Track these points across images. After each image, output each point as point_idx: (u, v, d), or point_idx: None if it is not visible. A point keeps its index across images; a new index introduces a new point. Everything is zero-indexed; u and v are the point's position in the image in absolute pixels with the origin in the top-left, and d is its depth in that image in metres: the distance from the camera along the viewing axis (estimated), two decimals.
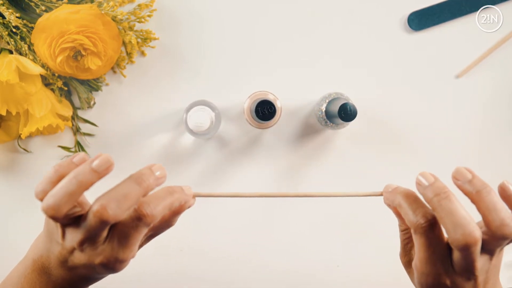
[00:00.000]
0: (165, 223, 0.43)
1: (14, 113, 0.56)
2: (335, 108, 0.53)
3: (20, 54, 0.58)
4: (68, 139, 0.62)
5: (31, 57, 0.57)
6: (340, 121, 0.54)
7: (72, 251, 0.40)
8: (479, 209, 0.38)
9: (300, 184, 0.63)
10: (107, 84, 0.62)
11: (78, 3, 0.58)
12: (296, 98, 0.62)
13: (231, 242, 0.63)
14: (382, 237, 0.62)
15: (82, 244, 0.39)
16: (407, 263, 0.45)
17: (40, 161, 0.61)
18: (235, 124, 0.62)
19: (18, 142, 0.61)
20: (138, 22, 0.60)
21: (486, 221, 0.37)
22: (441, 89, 0.63)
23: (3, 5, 0.56)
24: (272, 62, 0.62)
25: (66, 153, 0.61)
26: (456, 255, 0.38)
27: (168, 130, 0.62)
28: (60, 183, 0.39)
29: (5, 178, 0.61)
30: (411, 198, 0.40)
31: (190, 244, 0.62)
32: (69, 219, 0.39)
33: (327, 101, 0.57)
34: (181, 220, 0.62)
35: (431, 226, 0.38)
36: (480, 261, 0.38)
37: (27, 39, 0.57)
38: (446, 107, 0.63)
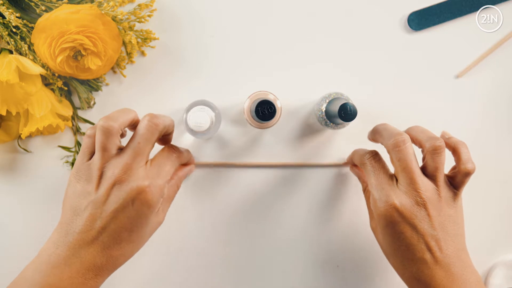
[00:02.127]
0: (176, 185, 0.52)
1: (14, 113, 0.56)
2: (335, 108, 0.53)
3: (20, 54, 0.58)
4: (68, 139, 0.62)
5: (31, 57, 0.57)
6: (340, 121, 0.54)
7: (108, 194, 0.44)
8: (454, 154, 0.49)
9: (300, 184, 0.63)
10: (107, 84, 0.62)
11: (78, 3, 0.58)
12: (296, 98, 0.62)
13: (230, 242, 0.63)
14: None
15: (126, 170, 0.45)
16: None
17: (40, 161, 0.61)
18: (235, 124, 0.62)
19: (18, 142, 0.61)
20: (138, 22, 0.60)
21: (456, 161, 0.49)
22: (441, 89, 0.63)
23: (3, 5, 0.56)
24: (272, 62, 0.62)
25: (66, 153, 0.61)
26: (400, 177, 0.47)
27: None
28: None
29: (5, 178, 0.61)
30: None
31: (190, 244, 0.62)
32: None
33: (327, 101, 0.57)
34: (181, 220, 0.62)
35: (374, 156, 0.50)
36: (425, 182, 0.47)
37: (27, 39, 0.57)
38: (446, 107, 0.63)
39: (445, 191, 0.47)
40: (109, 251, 0.44)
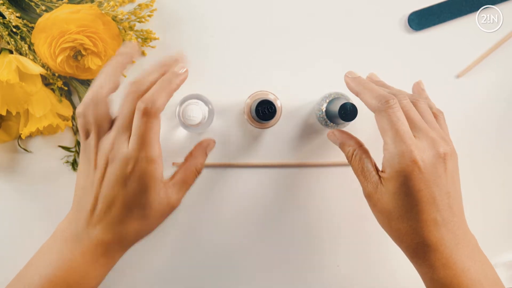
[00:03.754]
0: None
1: (14, 113, 0.56)
2: (335, 108, 0.53)
3: (20, 54, 0.58)
4: (68, 139, 0.62)
5: (31, 57, 0.57)
6: (340, 121, 0.54)
7: (103, 173, 0.45)
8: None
9: (300, 184, 0.63)
10: None
11: (78, 3, 0.58)
12: (296, 98, 0.62)
13: (230, 242, 0.63)
14: (383, 236, 0.62)
15: (114, 143, 0.44)
16: (373, 185, 0.48)
17: (40, 161, 0.61)
18: (234, 123, 0.62)
19: (18, 142, 0.61)
20: (139, 22, 0.60)
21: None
22: (441, 89, 0.63)
23: (3, 5, 0.56)
24: (273, 62, 0.62)
25: (66, 153, 0.61)
26: (414, 132, 0.45)
27: (169, 130, 0.62)
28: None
29: (5, 178, 0.61)
30: (368, 87, 0.48)
31: (189, 244, 0.62)
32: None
33: (327, 101, 0.57)
34: (181, 220, 0.62)
35: (395, 105, 0.45)
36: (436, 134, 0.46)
37: (27, 39, 0.57)
38: (446, 107, 0.63)
39: (450, 143, 0.46)
40: (115, 227, 0.45)
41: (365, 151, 0.50)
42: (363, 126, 0.62)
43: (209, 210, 0.62)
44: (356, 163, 0.50)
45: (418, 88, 0.57)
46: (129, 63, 0.49)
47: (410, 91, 0.63)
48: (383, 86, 0.52)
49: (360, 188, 0.63)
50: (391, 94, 0.46)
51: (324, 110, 0.57)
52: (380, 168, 0.47)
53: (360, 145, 0.51)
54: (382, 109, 0.44)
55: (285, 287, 0.63)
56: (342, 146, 0.53)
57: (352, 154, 0.51)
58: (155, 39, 0.61)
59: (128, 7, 0.61)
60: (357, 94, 0.48)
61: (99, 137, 0.45)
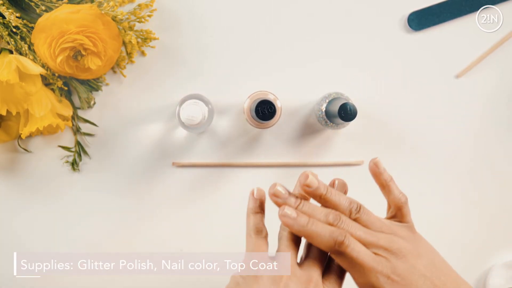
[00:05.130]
0: None
1: (14, 113, 0.56)
2: (335, 108, 0.53)
3: (20, 54, 0.58)
4: (68, 139, 0.62)
5: (31, 57, 0.57)
6: (340, 121, 0.54)
7: None
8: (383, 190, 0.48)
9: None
10: (107, 84, 0.62)
11: (78, 3, 0.58)
12: (296, 98, 0.62)
13: (230, 242, 0.63)
14: None
15: None
16: None
17: (40, 161, 0.61)
18: (234, 123, 0.62)
19: (18, 142, 0.61)
20: (138, 22, 0.60)
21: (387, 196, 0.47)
22: (441, 89, 0.63)
23: (3, 5, 0.56)
24: (272, 62, 0.62)
25: (66, 153, 0.61)
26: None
27: (168, 130, 0.62)
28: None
29: (5, 178, 0.61)
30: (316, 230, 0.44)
31: (189, 244, 0.62)
32: None
33: (327, 101, 0.57)
34: (181, 220, 0.62)
35: (346, 244, 0.42)
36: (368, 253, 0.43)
37: (27, 39, 0.57)
38: (445, 107, 0.63)
39: (401, 231, 0.45)
40: None
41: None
42: (363, 126, 0.62)
43: (209, 210, 0.62)
44: None
45: (374, 169, 0.48)
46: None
47: (410, 91, 0.63)
48: (316, 205, 0.46)
49: (360, 188, 0.63)
50: (333, 219, 0.44)
51: (324, 110, 0.57)
52: None
53: None
54: (340, 251, 0.42)
55: None
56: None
57: None
58: (155, 39, 0.61)
59: (128, 7, 0.60)
60: (306, 237, 0.45)
61: None
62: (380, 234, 0.44)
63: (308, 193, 0.45)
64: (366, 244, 0.43)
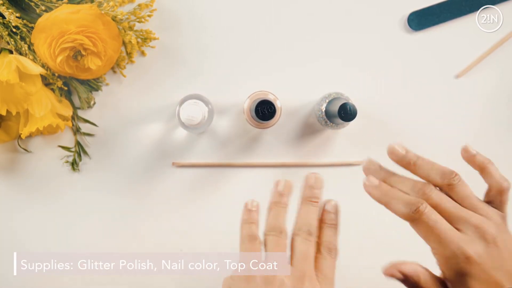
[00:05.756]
0: None
1: (14, 113, 0.56)
2: (335, 108, 0.54)
3: (20, 54, 0.58)
4: (68, 139, 0.62)
5: (31, 57, 0.57)
6: (340, 121, 0.54)
7: None
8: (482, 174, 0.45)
9: (300, 184, 0.62)
10: (107, 84, 0.62)
11: (78, 3, 0.58)
12: (296, 98, 0.62)
13: (230, 243, 0.63)
14: (383, 236, 0.62)
15: None
16: None
17: (40, 161, 0.61)
18: (234, 123, 0.62)
19: (18, 142, 0.61)
20: (138, 22, 0.60)
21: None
22: (440, 89, 0.63)
23: (3, 5, 0.56)
24: (272, 62, 0.62)
25: (66, 153, 0.61)
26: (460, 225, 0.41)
27: (168, 130, 0.62)
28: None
29: (5, 178, 0.61)
30: (394, 196, 0.43)
31: (189, 244, 0.62)
32: None
33: (327, 101, 0.57)
34: (181, 220, 0.62)
35: (423, 212, 0.41)
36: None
37: (27, 39, 0.57)
38: (445, 107, 0.63)
39: (496, 217, 0.42)
40: None
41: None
42: (363, 126, 0.62)
43: (209, 210, 0.62)
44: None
45: (466, 155, 0.47)
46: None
47: (410, 91, 0.63)
48: (409, 166, 0.45)
49: (360, 188, 0.63)
50: (418, 189, 0.43)
51: (323, 110, 0.57)
52: None
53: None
54: (415, 218, 0.41)
55: None
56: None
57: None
58: (154, 39, 0.61)
59: (128, 7, 0.60)
60: (384, 205, 0.44)
61: None
62: (472, 212, 0.42)
63: (397, 162, 0.44)
64: (453, 219, 0.41)
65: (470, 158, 0.45)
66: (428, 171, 0.43)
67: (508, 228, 0.43)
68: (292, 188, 0.47)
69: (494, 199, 0.43)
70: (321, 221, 0.46)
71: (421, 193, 0.42)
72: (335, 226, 0.46)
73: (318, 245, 0.45)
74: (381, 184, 0.44)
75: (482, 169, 0.44)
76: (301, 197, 0.46)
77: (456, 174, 0.43)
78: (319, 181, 0.46)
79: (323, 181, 0.45)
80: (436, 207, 0.41)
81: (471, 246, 0.40)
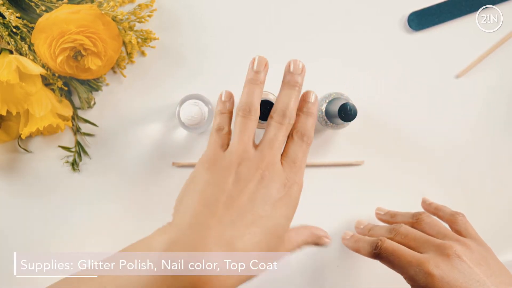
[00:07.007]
0: None
1: (14, 113, 0.56)
2: (335, 108, 0.54)
3: (20, 54, 0.58)
4: (68, 139, 0.62)
5: (31, 57, 0.57)
6: (340, 121, 0.54)
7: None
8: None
9: None
10: (107, 84, 0.62)
11: (78, 3, 0.58)
12: None
13: None
14: None
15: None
16: None
17: (40, 161, 0.61)
18: (234, 123, 0.62)
19: (18, 142, 0.61)
20: (138, 22, 0.60)
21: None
22: (441, 89, 0.63)
23: (3, 5, 0.56)
24: (272, 62, 0.62)
25: (66, 153, 0.61)
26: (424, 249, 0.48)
27: (168, 130, 0.62)
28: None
29: (5, 178, 0.62)
30: (361, 240, 0.52)
31: None
32: None
33: (327, 101, 0.57)
34: None
35: (382, 247, 0.48)
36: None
37: (27, 39, 0.57)
38: (445, 107, 0.63)
39: (463, 239, 0.48)
40: None
41: None
42: (363, 126, 0.62)
43: None
44: None
45: (424, 205, 0.58)
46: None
47: (410, 91, 0.63)
48: (388, 219, 0.57)
49: (360, 188, 0.63)
50: (391, 228, 0.50)
51: (324, 110, 0.57)
52: None
53: None
54: (377, 252, 0.47)
55: (285, 286, 0.63)
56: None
57: None
58: (155, 39, 0.61)
59: (128, 7, 0.61)
60: (356, 251, 0.52)
61: None
62: (435, 237, 0.47)
63: (380, 219, 0.59)
64: (418, 244, 0.46)
65: (426, 206, 0.56)
66: (402, 217, 0.54)
67: (478, 247, 0.47)
68: (267, 65, 0.46)
69: (455, 230, 0.50)
70: (298, 109, 0.45)
71: (393, 230, 0.49)
72: (312, 115, 0.45)
73: (292, 131, 0.44)
74: (352, 236, 0.54)
75: (436, 211, 0.54)
76: (282, 82, 0.46)
77: (425, 213, 0.52)
78: (300, 66, 0.45)
79: (305, 68, 0.45)
80: (405, 238, 0.48)
81: (432, 262, 0.43)
